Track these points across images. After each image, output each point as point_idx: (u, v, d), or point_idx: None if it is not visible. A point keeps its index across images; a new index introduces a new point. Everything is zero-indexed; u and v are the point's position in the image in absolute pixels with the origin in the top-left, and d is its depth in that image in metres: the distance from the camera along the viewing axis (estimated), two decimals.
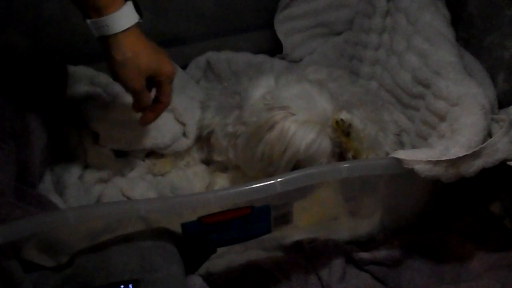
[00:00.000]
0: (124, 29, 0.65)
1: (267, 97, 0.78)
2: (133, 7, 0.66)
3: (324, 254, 0.79)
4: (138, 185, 0.88)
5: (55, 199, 0.81)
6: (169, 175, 0.94)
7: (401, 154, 0.66)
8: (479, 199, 0.88)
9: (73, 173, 0.86)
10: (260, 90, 0.81)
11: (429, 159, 0.65)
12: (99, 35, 0.66)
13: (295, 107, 0.75)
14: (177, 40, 1.08)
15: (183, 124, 0.92)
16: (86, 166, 0.89)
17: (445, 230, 0.83)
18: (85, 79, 0.97)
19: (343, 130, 0.78)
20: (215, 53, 1.09)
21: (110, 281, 0.61)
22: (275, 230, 0.74)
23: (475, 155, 0.65)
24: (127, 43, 0.66)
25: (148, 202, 0.65)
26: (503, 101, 0.78)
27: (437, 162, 0.65)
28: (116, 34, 0.65)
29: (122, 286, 0.61)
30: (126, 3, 0.65)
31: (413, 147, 0.85)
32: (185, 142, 0.92)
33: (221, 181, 0.90)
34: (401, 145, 0.88)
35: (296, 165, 0.77)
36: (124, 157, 0.92)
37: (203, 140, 0.93)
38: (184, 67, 1.09)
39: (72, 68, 0.97)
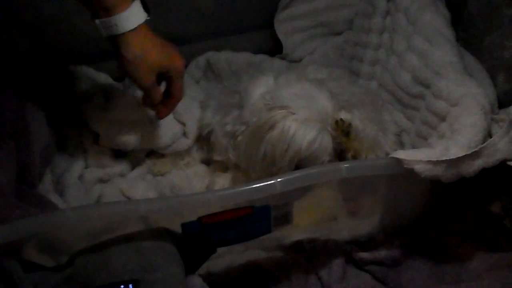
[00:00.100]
0: (133, 28, 0.66)
1: (267, 96, 0.78)
2: (140, 6, 0.67)
3: (324, 254, 0.79)
4: (138, 185, 0.88)
5: (55, 199, 0.81)
6: (169, 175, 0.94)
7: (401, 154, 0.66)
8: (479, 199, 0.88)
9: (73, 173, 0.86)
10: (259, 89, 0.81)
11: (429, 159, 0.65)
12: (108, 34, 0.67)
13: (295, 106, 0.75)
14: (177, 40, 1.06)
15: (183, 124, 0.92)
16: (86, 166, 0.89)
17: (445, 230, 0.83)
18: (85, 79, 0.97)
19: (343, 130, 0.78)
20: (215, 53, 1.09)
21: (110, 281, 0.61)
22: (275, 230, 0.74)
23: (475, 155, 0.65)
24: (136, 41, 0.67)
25: (148, 202, 0.65)
26: (503, 101, 0.78)
27: (437, 162, 0.65)
28: (125, 33, 0.66)
29: (122, 286, 0.61)
30: (134, 1, 0.66)
31: (413, 147, 0.85)
32: (185, 142, 0.92)
33: (221, 181, 0.90)
34: (401, 145, 0.88)
35: (298, 164, 0.77)
36: (124, 157, 0.92)
37: (203, 139, 0.93)
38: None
39: (72, 68, 0.97)
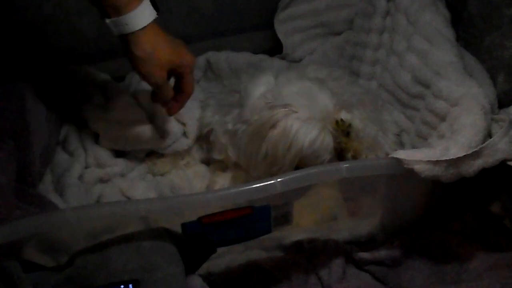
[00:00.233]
0: (143, 26, 0.67)
1: (268, 95, 0.78)
2: (150, 4, 0.68)
3: (324, 254, 0.79)
4: (138, 185, 0.88)
5: (55, 199, 0.81)
6: (169, 175, 0.94)
7: (401, 154, 0.66)
8: (479, 199, 0.88)
9: (73, 173, 0.86)
10: (260, 88, 0.81)
11: (429, 159, 0.65)
12: (119, 33, 0.68)
13: (297, 105, 0.75)
14: None
15: (183, 124, 0.92)
16: (86, 166, 0.89)
17: (445, 230, 0.83)
18: (85, 79, 0.97)
19: (343, 130, 0.78)
20: (215, 53, 1.09)
21: (110, 281, 0.61)
22: (275, 230, 0.74)
23: (475, 155, 0.65)
24: (147, 39, 0.68)
25: (148, 202, 0.65)
26: (503, 101, 0.78)
27: (437, 162, 0.65)
28: (135, 31, 0.67)
29: (122, 286, 0.61)
30: (144, 0, 0.67)
31: (413, 147, 0.85)
32: (186, 142, 0.92)
33: (221, 181, 0.90)
34: (401, 145, 0.88)
35: (299, 163, 0.77)
36: (124, 157, 0.92)
37: (203, 139, 0.93)
38: None
39: (72, 68, 0.97)
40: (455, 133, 0.69)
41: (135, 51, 0.69)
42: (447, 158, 0.64)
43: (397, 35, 0.91)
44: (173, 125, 0.91)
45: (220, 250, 0.74)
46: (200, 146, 0.95)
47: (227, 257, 0.79)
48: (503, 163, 0.66)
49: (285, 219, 0.74)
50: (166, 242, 0.66)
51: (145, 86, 0.97)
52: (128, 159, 0.92)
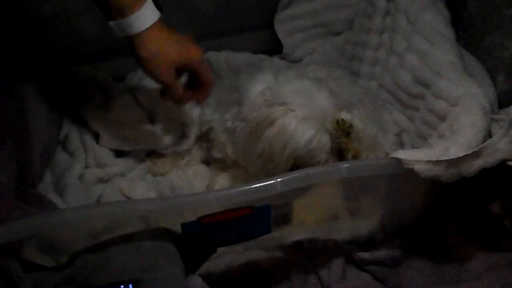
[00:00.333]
0: (147, 27, 0.68)
1: (267, 93, 0.78)
2: (153, 5, 0.68)
3: (324, 254, 0.79)
4: (138, 185, 0.88)
5: (55, 199, 0.81)
6: (169, 175, 0.94)
7: (401, 154, 0.66)
8: (479, 199, 0.88)
9: (73, 173, 0.86)
10: (259, 86, 0.81)
11: (429, 159, 0.65)
12: (123, 35, 0.68)
13: (295, 104, 0.75)
14: None
15: (183, 124, 0.92)
16: (86, 166, 0.89)
17: (445, 230, 0.83)
18: (85, 79, 0.97)
19: (343, 130, 0.78)
20: (215, 53, 1.09)
21: (110, 281, 0.61)
22: (275, 230, 0.74)
23: (475, 155, 0.65)
24: (151, 39, 0.69)
25: (148, 202, 0.65)
26: (503, 101, 0.78)
27: (437, 162, 0.65)
28: (140, 32, 0.68)
29: (122, 286, 0.61)
30: (147, 1, 0.67)
31: (413, 147, 0.85)
32: (186, 142, 0.92)
33: (221, 181, 0.90)
34: (401, 145, 0.88)
35: (295, 162, 0.77)
36: (124, 157, 0.92)
37: (203, 138, 0.93)
38: None
39: (72, 68, 0.97)
40: (455, 133, 0.69)
41: (140, 52, 0.69)
42: (447, 158, 0.64)
43: (397, 35, 0.91)
44: (173, 125, 0.91)
45: (220, 250, 0.74)
46: (200, 146, 0.95)
47: (227, 257, 0.79)
48: (503, 163, 0.66)
49: (285, 219, 0.74)
50: (166, 242, 0.66)
51: (145, 86, 0.98)
52: (128, 159, 0.92)
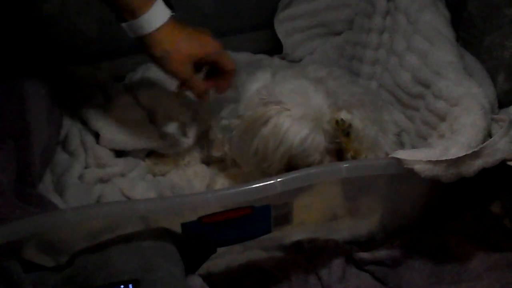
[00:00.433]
0: (158, 26, 0.68)
1: (263, 91, 0.78)
2: (163, 4, 0.69)
3: (324, 254, 0.79)
4: (138, 185, 0.88)
5: (55, 199, 0.81)
6: (169, 175, 0.94)
7: (401, 154, 0.66)
8: (479, 199, 0.88)
9: (73, 173, 0.86)
10: (257, 84, 0.81)
11: (429, 159, 0.65)
12: (136, 36, 0.69)
13: (290, 103, 0.75)
14: None
15: (184, 124, 0.92)
16: (86, 166, 0.89)
17: (445, 230, 0.83)
18: (85, 79, 0.97)
19: (343, 130, 0.78)
20: None
21: (110, 281, 0.61)
22: (275, 230, 0.74)
23: (475, 155, 0.65)
24: (164, 38, 0.69)
25: (148, 202, 0.65)
26: (503, 101, 0.78)
27: (437, 162, 0.65)
28: (151, 32, 0.68)
29: (122, 286, 0.61)
30: (156, 1, 0.68)
31: (413, 147, 0.85)
32: (186, 142, 0.92)
33: (221, 180, 0.90)
34: (401, 145, 0.88)
35: (289, 161, 0.77)
36: (124, 157, 0.92)
37: (203, 137, 0.93)
38: None
39: (72, 68, 0.97)
40: (455, 133, 0.69)
41: (154, 52, 0.70)
42: (447, 158, 0.64)
43: (397, 35, 0.91)
44: (173, 125, 0.91)
45: (220, 250, 0.74)
46: (200, 145, 0.95)
47: (227, 257, 0.79)
48: (503, 163, 0.66)
49: (285, 219, 0.74)
50: (166, 242, 0.66)
51: (145, 86, 0.98)
52: (128, 159, 0.92)
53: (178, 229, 0.68)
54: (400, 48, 0.89)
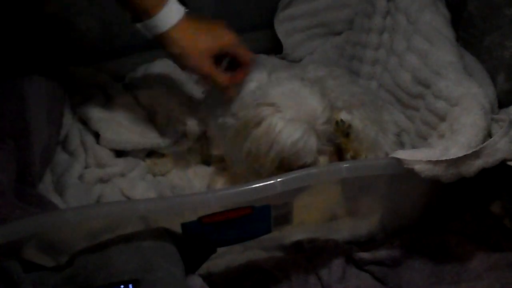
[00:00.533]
0: (173, 24, 0.69)
1: (257, 92, 0.78)
2: (176, 2, 0.69)
3: (324, 254, 0.79)
4: (138, 185, 0.88)
5: (55, 199, 0.81)
6: (169, 175, 0.94)
7: (401, 154, 0.66)
8: (479, 199, 0.88)
9: (73, 173, 0.86)
10: (251, 84, 0.81)
11: (429, 159, 0.65)
12: (152, 35, 0.70)
13: (283, 105, 0.75)
14: None
15: (184, 124, 0.92)
16: (86, 166, 0.89)
17: (445, 230, 0.83)
18: (85, 79, 0.97)
19: (342, 130, 0.78)
20: None
21: (110, 281, 0.61)
22: (275, 230, 0.74)
23: (475, 155, 0.65)
24: (180, 35, 0.70)
25: (148, 202, 0.65)
26: (503, 101, 0.78)
27: (437, 162, 0.65)
28: (166, 31, 0.69)
29: (122, 286, 0.61)
30: (169, 0, 0.68)
31: (413, 147, 0.85)
32: (186, 142, 0.92)
33: (221, 180, 0.90)
34: (401, 146, 0.88)
35: (282, 163, 0.77)
36: (124, 157, 0.92)
37: (203, 137, 0.93)
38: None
39: (72, 68, 0.97)
40: (455, 133, 0.69)
41: (171, 49, 0.70)
42: (447, 158, 0.64)
43: (397, 35, 0.91)
44: (173, 125, 0.91)
45: (220, 250, 0.74)
46: (200, 145, 0.95)
47: (227, 257, 0.79)
48: (503, 163, 0.66)
49: (285, 219, 0.74)
50: (166, 242, 0.66)
51: (145, 86, 0.98)
52: (128, 159, 0.92)
53: (178, 229, 0.68)
54: (400, 48, 0.89)
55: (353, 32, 1.06)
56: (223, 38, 0.74)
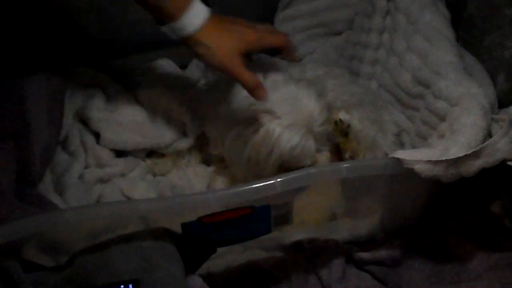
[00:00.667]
0: (198, 26, 0.68)
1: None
2: (200, 3, 0.69)
3: (324, 254, 0.79)
4: (138, 185, 0.88)
5: (55, 199, 0.81)
6: (169, 175, 0.94)
7: (401, 154, 0.66)
8: (479, 199, 0.88)
9: (73, 173, 0.86)
10: None
11: (429, 159, 0.65)
12: (177, 37, 0.70)
13: (280, 111, 0.75)
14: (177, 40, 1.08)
15: (184, 123, 0.92)
16: (86, 166, 0.89)
17: (445, 230, 0.83)
18: (85, 79, 0.97)
19: (341, 130, 0.78)
20: None
21: (110, 281, 0.61)
22: (275, 230, 0.74)
23: (475, 155, 0.65)
24: (206, 37, 0.69)
25: (148, 202, 0.65)
26: (503, 101, 0.78)
27: (437, 162, 0.65)
28: (191, 33, 0.69)
29: (122, 286, 0.61)
30: (193, 1, 0.68)
31: (413, 147, 0.85)
32: (186, 141, 0.92)
33: (221, 180, 0.90)
34: (401, 146, 0.88)
35: (282, 165, 0.78)
36: (124, 157, 0.92)
37: (203, 136, 0.93)
38: (184, 67, 1.09)
39: (72, 68, 0.97)
40: (455, 133, 0.69)
41: (199, 51, 0.70)
42: (447, 158, 0.64)
43: (397, 35, 0.91)
44: (173, 125, 0.91)
45: (220, 250, 0.74)
46: (200, 145, 0.95)
47: (227, 257, 0.79)
48: (503, 163, 0.66)
49: (285, 219, 0.74)
50: (166, 242, 0.66)
51: (145, 86, 0.98)
52: (128, 159, 0.92)
53: (178, 229, 0.68)
54: (400, 48, 0.89)
55: (353, 32, 1.06)
56: (247, 36, 0.74)
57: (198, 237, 0.69)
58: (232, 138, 0.80)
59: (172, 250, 0.66)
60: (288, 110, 0.76)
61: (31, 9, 0.92)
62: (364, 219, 0.83)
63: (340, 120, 0.78)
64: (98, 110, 0.90)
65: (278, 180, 0.64)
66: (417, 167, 0.65)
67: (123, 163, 0.91)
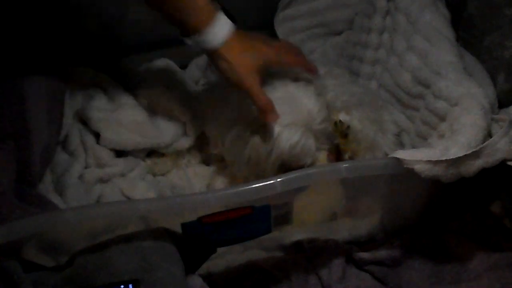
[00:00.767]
0: (222, 41, 0.69)
1: None
2: (225, 17, 0.69)
3: (324, 254, 0.79)
4: (138, 185, 0.88)
5: (55, 199, 0.81)
6: (169, 175, 0.94)
7: (401, 154, 0.66)
8: (479, 199, 0.88)
9: (73, 173, 0.86)
10: None
11: (429, 159, 0.65)
12: (200, 49, 0.70)
13: (279, 111, 0.75)
14: (177, 40, 1.08)
15: (184, 123, 0.92)
16: (86, 166, 0.89)
17: (445, 230, 0.83)
18: (85, 79, 0.97)
19: (341, 131, 0.78)
20: None
21: (110, 281, 0.61)
22: (275, 230, 0.74)
23: (475, 155, 0.65)
24: (228, 52, 0.70)
25: (148, 202, 0.65)
26: (503, 101, 0.78)
27: (437, 162, 0.65)
28: (214, 46, 0.69)
29: (122, 286, 0.61)
30: (218, 14, 0.68)
31: (413, 147, 0.85)
32: (186, 141, 0.92)
33: (221, 180, 0.90)
34: (401, 146, 0.89)
35: (282, 164, 0.78)
36: (124, 157, 0.92)
37: (203, 136, 0.93)
38: (184, 67, 1.09)
39: (72, 68, 0.97)
40: (455, 133, 0.69)
41: (220, 65, 0.71)
42: (447, 158, 0.64)
43: (397, 35, 0.91)
44: (173, 125, 0.91)
45: (220, 250, 0.74)
46: (200, 145, 0.95)
47: (227, 257, 0.79)
48: (503, 163, 0.66)
49: (285, 219, 0.74)
50: (166, 242, 0.66)
51: (145, 86, 0.98)
52: (128, 159, 0.92)
53: (178, 229, 0.68)
54: (400, 48, 0.89)
55: (353, 32, 1.06)
56: (266, 55, 0.74)
57: (198, 237, 0.69)
58: (232, 138, 0.81)
59: (172, 250, 0.66)
60: (287, 109, 0.76)
61: (31, 9, 0.92)
62: (364, 219, 0.83)
63: (340, 121, 0.78)
64: (98, 110, 0.90)
65: (278, 180, 0.64)
66: (417, 167, 0.65)
67: (123, 163, 0.91)
